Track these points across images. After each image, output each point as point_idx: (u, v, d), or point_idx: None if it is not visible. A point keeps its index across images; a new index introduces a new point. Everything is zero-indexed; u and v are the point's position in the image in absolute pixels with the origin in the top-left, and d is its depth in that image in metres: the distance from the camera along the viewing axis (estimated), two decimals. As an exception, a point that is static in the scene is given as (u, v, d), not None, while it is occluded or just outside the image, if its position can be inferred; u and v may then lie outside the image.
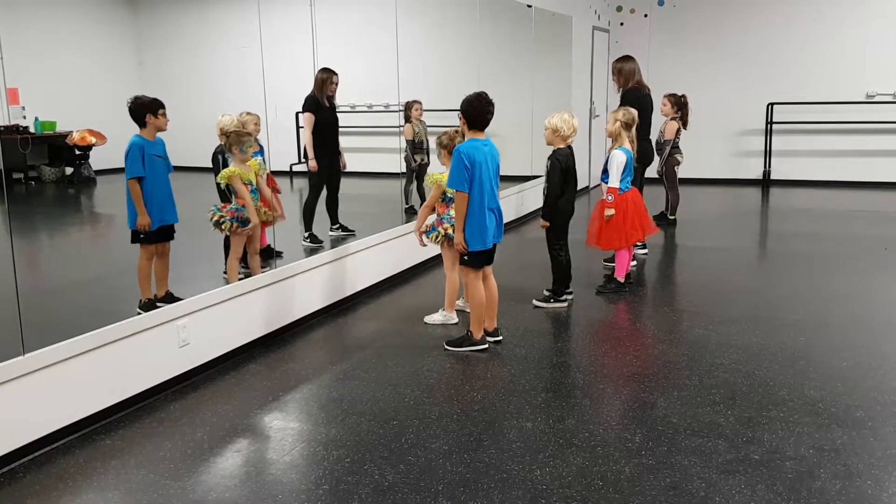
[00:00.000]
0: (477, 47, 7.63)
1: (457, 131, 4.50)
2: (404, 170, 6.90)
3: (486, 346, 4.38)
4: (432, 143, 5.59)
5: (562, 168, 4.96)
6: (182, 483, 2.95)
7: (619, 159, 5.33)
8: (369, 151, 7.59)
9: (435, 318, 4.89)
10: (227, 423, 3.50)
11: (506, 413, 3.54)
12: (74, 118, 5.17)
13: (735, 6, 10.82)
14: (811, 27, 10.50)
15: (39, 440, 3.23)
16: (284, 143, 6.47)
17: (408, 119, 7.00)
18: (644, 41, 11.20)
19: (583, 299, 5.36)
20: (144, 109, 4.06)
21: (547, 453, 3.13)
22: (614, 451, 3.14)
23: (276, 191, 5.25)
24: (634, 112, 5.53)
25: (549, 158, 5.02)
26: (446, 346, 4.39)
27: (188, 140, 4.99)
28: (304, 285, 4.90)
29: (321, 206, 6.01)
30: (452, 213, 4.53)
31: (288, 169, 6.61)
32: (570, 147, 5.01)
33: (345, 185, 6.13)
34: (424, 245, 4.83)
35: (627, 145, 5.42)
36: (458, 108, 4.20)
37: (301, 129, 6.13)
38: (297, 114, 6.13)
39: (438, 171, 4.81)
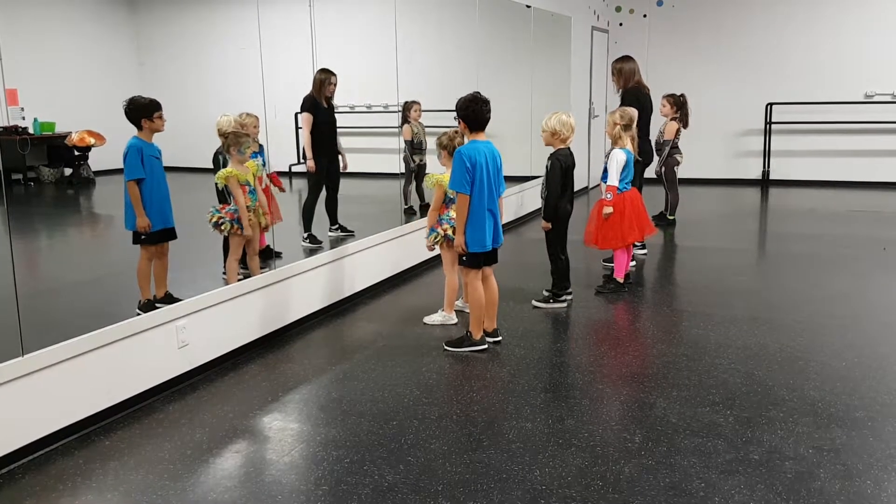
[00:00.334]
0: (476, 48, 7.63)
1: (456, 132, 4.50)
2: (403, 170, 6.90)
3: (486, 346, 4.38)
4: (431, 143, 5.59)
5: (562, 168, 4.97)
6: (181, 484, 2.95)
7: (618, 158, 5.33)
8: (368, 152, 7.59)
9: (434, 318, 4.89)
10: (227, 423, 3.49)
11: (505, 413, 3.54)
12: (73, 119, 5.17)
13: (734, 6, 10.83)
14: (810, 27, 10.50)
15: (38, 441, 3.22)
16: (284, 144, 6.46)
17: (406, 120, 7.00)
18: (643, 41, 11.21)
19: (582, 300, 5.37)
20: (140, 112, 4.04)
21: (546, 454, 3.13)
22: (614, 451, 3.14)
23: (280, 189, 5.26)
24: (632, 111, 5.53)
25: (548, 159, 5.03)
26: (446, 347, 4.39)
27: (188, 141, 5.00)
28: (304, 286, 4.90)
29: (320, 207, 6.01)
30: (452, 213, 4.53)
31: (287, 169, 6.61)
32: (568, 147, 5.02)
33: (344, 185, 6.13)
34: (432, 250, 4.82)
35: (628, 145, 5.42)
36: (456, 109, 4.21)
37: (300, 130, 6.13)
38: (296, 114, 6.13)
39: (438, 171, 4.80)
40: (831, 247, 6.94)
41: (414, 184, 7.14)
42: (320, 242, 5.83)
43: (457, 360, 4.26)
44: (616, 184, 5.34)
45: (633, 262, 6.02)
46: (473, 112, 4.13)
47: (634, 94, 6.39)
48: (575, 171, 5.16)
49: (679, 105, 7.56)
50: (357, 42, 6.98)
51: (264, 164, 4.91)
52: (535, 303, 5.24)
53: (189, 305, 3.99)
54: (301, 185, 6.30)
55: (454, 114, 4.23)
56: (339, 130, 6.08)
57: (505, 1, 8.06)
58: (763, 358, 4.16)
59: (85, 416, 3.42)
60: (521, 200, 8.54)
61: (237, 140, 4.48)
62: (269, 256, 4.88)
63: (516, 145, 8.56)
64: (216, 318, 4.16)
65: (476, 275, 4.33)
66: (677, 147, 7.66)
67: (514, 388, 3.85)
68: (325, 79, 5.75)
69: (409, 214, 6.80)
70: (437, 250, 4.81)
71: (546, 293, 5.26)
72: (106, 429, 3.45)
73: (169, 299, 4.14)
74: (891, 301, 5.33)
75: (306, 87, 5.79)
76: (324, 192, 6.01)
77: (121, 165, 4.08)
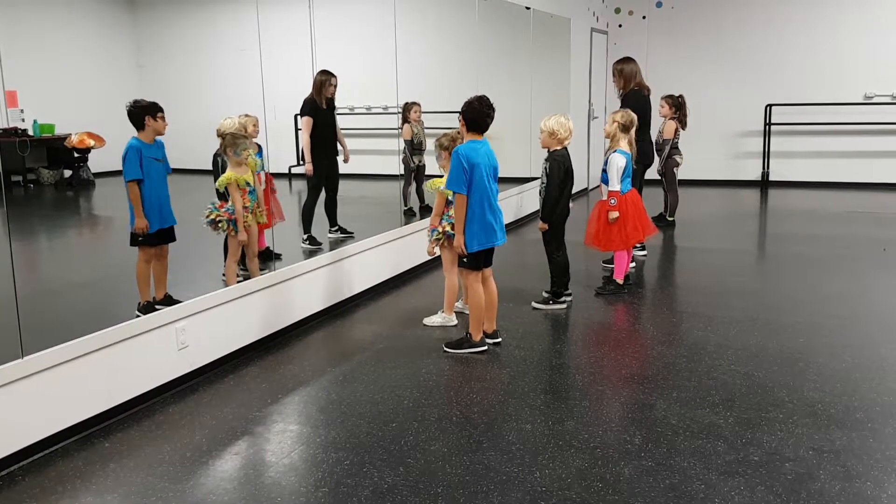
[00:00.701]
0: (475, 49, 7.63)
1: (458, 132, 4.50)
2: (403, 172, 6.90)
3: (486, 347, 4.38)
4: (430, 144, 5.59)
5: (562, 168, 4.97)
6: (181, 486, 2.95)
7: (618, 163, 5.34)
8: (368, 153, 7.59)
9: (434, 320, 4.89)
10: (226, 425, 3.49)
11: (505, 415, 3.54)
12: (73, 121, 5.16)
13: (733, 8, 10.83)
14: (809, 28, 10.51)
15: (38, 443, 3.22)
16: (283, 146, 6.46)
17: (406, 120, 7.01)
18: (642, 43, 11.21)
19: (582, 301, 5.36)
20: (143, 113, 4.07)
21: (546, 455, 3.12)
22: (614, 452, 3.13)
23: (272, 191, 5.25)
24: (633, 115, 5.54)
25: (546, 160, 5.03)
26: (445, 348, 4.39)
27: (187, 142, 4.99)
28: (303, 287, 4.90)
29: (320, 209, 6.01)
30: (451, 213, 4.53)
31: (287, 171, 6.61)
32: (565, 148, 5.02)
33: (343, 187, 6.13)
34: (435, 254, 4.81)
35: (625, 147, 5.42)
36: (458, 110, 4.22)
37: (299, 132, 6.13)
38: (295, 116, 6.13)
39: (438, 174, 4.80)
40: (831, 248, 6.94)
41: (414, 185, 7.15)
42: (320, 244, 5.83)
43: (456, 361, 4.26)
44: (618, 188, 5.35)
45: (633, 264, 6.02)
46: (476, 112, 4.14)
47: (635, 98, 6.39)
48: (574, 172, 5.16)
49: (677, 106, 7.58)
50: (357, 43, 6.98)
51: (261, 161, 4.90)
52: (534, 304, 5.23)
53: (189, 307, 3.99)
54: (300, 186, 6.30)
55: (459, 115, 4.24)
56: (338, 131, 6.08)
57: (504, 2, 8.06)
58: (763, 359, 4.16)
59: (84, 418, 3.42)
60: (521, 202, 8.54)
61: (234, 142, 4.48)
62: (268, 258, 4.88)
63: (515, 147, 8.56)
64: (216, 319, 4.15)
65: (476, 276, 4.34)
66: (677, 148, 7.67)
67: (514, 389, 3.85)
68: (325, 80, 5.75)
69: (409, 216, 6.80)
70: (438, 251, 4.81)
71: (546, 294, 5.26)
72: (105, 431, 3.45)
73: (168, 301, 4.14)
74: (890, 302, 5.33)
75: (306, 89, 5.79)
76: (323, 194, 6.01)
77: (120, 167, 4.08)
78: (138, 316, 3.90)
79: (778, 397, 3.64)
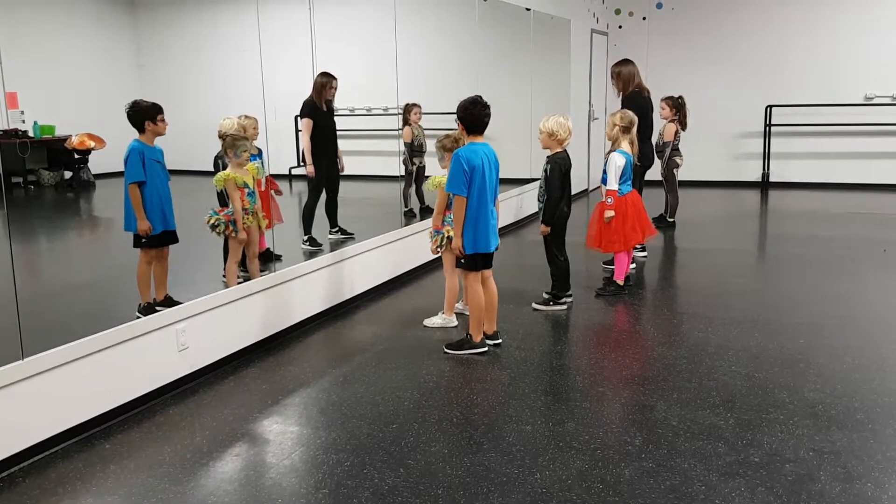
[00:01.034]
0: (476, 50, 7.64)
1: (460, 133, 4.50)
2: (403, 173, 6.90)
3: (486, 349, 4.38)
4: (430, 146, 5.58)
5: (562, 171, 4.97)
6: (181, 487, 2.95)
7: (617, 162, 5.34)
8: (368, 155, 7.60)
9: (434, 321, 4.89)
10: (227, 427, 3.49)
11: (505, 416, 3.54)
12: (73, 122, 5.16)
13: (733, 9, 10.84)
14: (809, 29, 10.51)
15: (38, 444, 3.22)
16: (283, 147, 6.46)
17: (407, 122, 7.00)
18: (642, 44, 11.22)
19: (582, 302, 5.36)
20: (143, 115, 4.05)
21: (547, 456, 3.12)
22: (614, 454, 3.13)
23: (277, 192, 5.26)
24: (632, 115, 5.54)
25: (546, 162, 5.03)
26: (446, 350, 4.39)
27: (187, 143, 4.99)
28: (304, 289, 4.90)
29: (320, 210, 6.01)
30: (451, 215, 4.53)
31: (287, 172, 6.61)
32: (565, 150, 5.02)
33: (344, 188, 6.13)
34: (437, 253, 4.81)
35: (626, 148, 5.42)
36: (456, 111, 4.22)
37: (300, 133, 6.13)
38: (295, 117, 6.13)
39: (440, 174, 4.80)
40: (831, 248, 6.94)
41: (414, 186, 7.15)
42: (320, 245, 5.83)
43: (457, 362, 4.26)
44: (615, 188, 5.35)
45: (633, 265, 6.02)
46: (472, 115, 4.14)
47: (635, 100, 6.39)
48: (574, 174, 5.16)
49: (677, 107, 7.59)
50: (357, 44, 6.98)
51: (262, 168, 4.91)
52: (535, 305, 5.23)
53: (189, 308, 3.99)
54: (301, 188, 6.30)
55: (456, 118, 4.24)
56: (338, 133, 6.08)
57: (504, 4, 8.06)
58: (763, 360, 4.16)
59: (85, 420, 3.42)
60: (521, 203, 8.53)
61: (234, 143, 4.48)
62: (269, 259, 4.88)
63: (516, 148, 8.56)
64: (216, 321, 4.15)
65: (476, 277, 4.34)
66: (677, 149, 7.68)
67: (515, 390, 3.85)
68: (325, 82, 5.75)
69: (409, 217, 6.80)
70: (435, 248, 4.81)
71: (546, 295, 5.26)
72: (106, 432, 3.45)
73: (169, 302, 4.14)
74: (891, 302, 5.33)
75: (306, 90, 5.79)
76: (323, 195, 6.01)
77: (121, 168, 4.08)
78: (139, 317, 3.89)
79: (778, 398, 3.64)
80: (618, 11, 11.52)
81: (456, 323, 4.85)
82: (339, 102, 6.01)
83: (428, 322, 4.90)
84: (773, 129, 10.78)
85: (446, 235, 4.65)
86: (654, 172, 7.36)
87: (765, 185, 10.91)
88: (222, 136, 4.62)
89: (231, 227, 4.48)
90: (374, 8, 6.84)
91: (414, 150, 7.09)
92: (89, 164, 5.54)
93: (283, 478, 3.02)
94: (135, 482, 3.00)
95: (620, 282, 5.55)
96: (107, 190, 5.62)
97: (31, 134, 5.01)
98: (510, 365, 4.21)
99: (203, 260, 5.32)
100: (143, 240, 4.11)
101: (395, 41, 6.08)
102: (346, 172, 6.18)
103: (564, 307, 5.21)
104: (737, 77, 10.88)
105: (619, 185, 5.37)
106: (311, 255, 5.61)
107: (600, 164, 6.51)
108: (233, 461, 3.18)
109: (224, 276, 4.63)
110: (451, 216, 4.64)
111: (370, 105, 7.16)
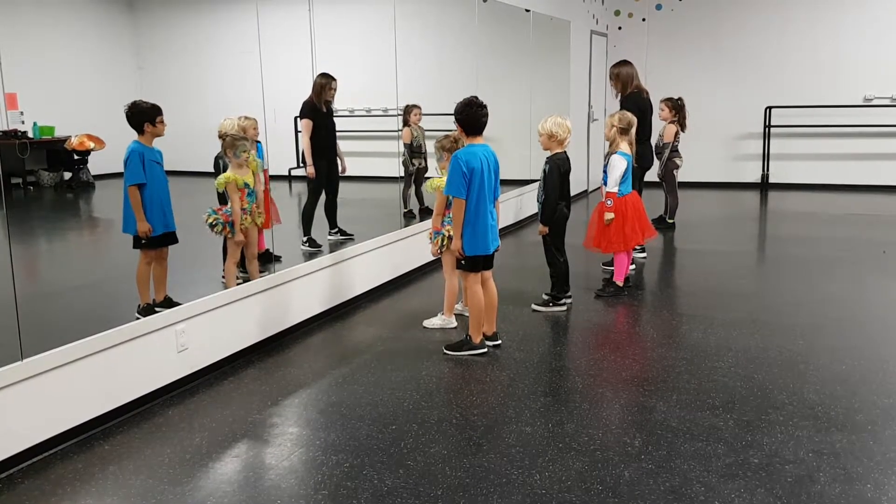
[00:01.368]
0: (475, 52, 7.64)
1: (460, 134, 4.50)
2: (403, 174, 6.90)
3: (485, 350, 4.38)
4: (430, 147, 5.58)
5: (560, 172, 4.97)
6: (181, 488, 2.95)
7: (618, 165, 5.33)
8: (368, 155, 7.60)
9: (434, 322, 4.89)
10: (226, 428, 3.49)
11: (505, 417, 3.53)
12: (73, 123, 5.16)
13: (732, 10, 10.84)
14: (809, 30, 10.52)
15: (37, 446, 3.22)
16: (283, 148, 6.46)
17: (406, 123, 7.01)
18: (642, 45, 11.23)
19: (582, 303, 5.36)
20: (142, 116, 4.04)
21: (546, 458, 3.12)
22: (614, 455, 3.13)
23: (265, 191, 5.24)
24: (631, 116, 5.54)
25: (546, 163, 5.03)
26: (445, 351, 4.39)
27: (187, 144, 4.99)
28: (303, 290, 4.89)
29: (320, 211, 6.01)
30: (451, 214, 4.53)
31: (287, 173, 6.61)
32: (565, 151, 5.02)
33: (343, 189, 6.13)
34: (438, 255, 4.81)
35: (626, 149, 5.42)
36: (453, 113, 4.22)
37: (299, 134, 6.13)
38: (295, 118, 6.13)
39: (438, 175, 4.80)
40: (830, 250, 6.94)
41: (413, 187, 7.15)
42: (320, 246, 5.83)
43: (456, 363, 4.26)
44: (615, 190, 5.35)
45: (633, 266, 6.02)
46: (469, 116, 4.14)
47: (634, 101, 6.40)
48: (573, 175, 5.16)
49: (677, 108, 7.60)
50: (357, 45, 6.99)
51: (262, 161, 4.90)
52: (534, 306, 5.23)
53: (188, 309, 3.99)
54: (300, 188, 6.30)
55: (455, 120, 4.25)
56: (338, 134, 6.08)
57: (504, 5, 8.07)
58: (763, 361, 4.16)
59: (84, 421, 3.42)
60: (521, 204, 8.53)
61: (233, 143, 4.48)
62: (268, 260, 4.88)
63: (515, 149, 8.57)
64: (215, 321, 4.15)
65: (475, 278, 4.34)
66: (677, 150, 7.68)
67: (514, 391, 3.85)
68: (325, 83, 5.75)
69: (409, 218, 6.80)
70: (435, 249, 4.80)
71: (546, 297, 5.26)
72: (105, 433, 3.45)
73: (168, 303, 4.13)
74: (890, 304, 5.33)
75: (306, 91, 5.79)
76: (323, 196, 6.01)
77: (120, 169, 4.07)
78: (138, 318, 3.89)
79: (778, 399, 3.64)
80: (617, 13, 11.53)
81: (455, 324, 4.85)
82: (338, 103, 6.01)
83: (427, 323, 4.90)
84: (772, 130, 10.79)
85: (446, 235, 4.65)
86: (652, 173, 7.36)
87: (764, 187, 10.92)
88: (222, 137, 4.62)
89: (228, 228, 4.48)
90: (374, 9, 6.85)
91: (413, 151, 7.09)
92: (89, 165, 5.53)
93: (283, 479, 3.02)
94: (134, 483, 3.00)
95: (620, 283, 5.55)
96: (106, 191, 5.62)
97: (30, 135, 5.00)
98: (509, 366, 4.21)
99: (202, 261, 5.32)
100: (143, 241, 4.11)
101: (395, 42, 6.08)
102: (346, 173, 6.18)
103: (564, 308, 5.21)
104: (736, 78, 10.89)
105: (619, 186, 5.37)
106: (310, 256, 5.61)
107: (600, 165, 6.51)
108: (232, 462, 3.17)
109: (223, 276, 4.63)
110: (451, 216, 4.65)
111: (370, 106, 7.16)
